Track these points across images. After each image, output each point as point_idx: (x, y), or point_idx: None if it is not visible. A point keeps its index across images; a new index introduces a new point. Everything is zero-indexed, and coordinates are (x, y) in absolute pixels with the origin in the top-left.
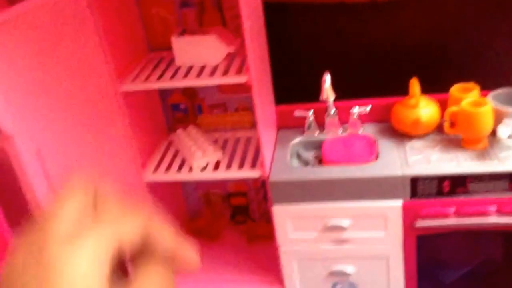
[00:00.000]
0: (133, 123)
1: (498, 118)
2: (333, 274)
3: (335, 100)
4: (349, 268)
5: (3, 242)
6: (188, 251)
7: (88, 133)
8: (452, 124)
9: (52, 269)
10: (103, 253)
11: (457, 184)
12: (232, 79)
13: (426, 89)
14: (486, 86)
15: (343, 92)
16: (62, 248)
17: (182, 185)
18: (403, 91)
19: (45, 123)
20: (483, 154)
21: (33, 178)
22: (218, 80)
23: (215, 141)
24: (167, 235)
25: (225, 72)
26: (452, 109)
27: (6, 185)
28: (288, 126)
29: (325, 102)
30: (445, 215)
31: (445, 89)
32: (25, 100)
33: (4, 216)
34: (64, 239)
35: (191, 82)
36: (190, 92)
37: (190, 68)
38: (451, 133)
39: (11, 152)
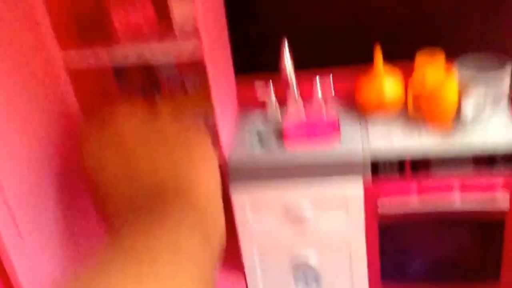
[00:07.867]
0: None
1: (464, 89)
2: (295, 262)
3: (296, 69)
4: (312, 257)
5: None
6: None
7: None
8: (416, 108)
9: None
10: None
11: (419, 166)
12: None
13: (391, 55)
14: (452, 52)
15: (305, 61)
16: None
17: None
18: (367, 58)
19: None
20: (447, 136)
21: None
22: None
23: None
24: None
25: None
26: (415, 90)
27: None
28: (248, 98)
29: (285, 70)
30: (407, 193)
31: (411, 54)
32: None
33: None
34: None
35: None
36: None
37: None
38: (415, 116)
39: None
